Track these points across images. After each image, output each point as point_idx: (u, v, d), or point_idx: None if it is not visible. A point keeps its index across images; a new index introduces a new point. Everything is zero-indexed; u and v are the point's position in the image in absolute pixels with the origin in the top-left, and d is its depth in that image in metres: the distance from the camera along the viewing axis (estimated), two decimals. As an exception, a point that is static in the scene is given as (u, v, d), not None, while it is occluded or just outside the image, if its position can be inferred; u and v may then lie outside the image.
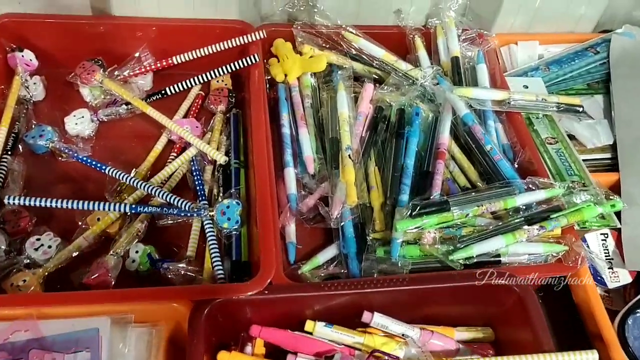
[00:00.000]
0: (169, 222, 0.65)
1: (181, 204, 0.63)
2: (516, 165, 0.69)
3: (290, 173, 0.68)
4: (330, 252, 0.64)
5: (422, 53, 0.80)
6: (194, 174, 0.68)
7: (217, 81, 0.79)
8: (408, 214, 0.60)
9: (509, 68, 0.84)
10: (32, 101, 0.74)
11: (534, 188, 0.63)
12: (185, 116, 0.76)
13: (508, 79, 0.78)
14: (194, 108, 0.77)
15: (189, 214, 0.63)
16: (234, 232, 0.63)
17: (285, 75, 0.76)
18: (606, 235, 0.65)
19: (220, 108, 0.76)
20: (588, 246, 0.64)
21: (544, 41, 0.86)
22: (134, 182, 0.65)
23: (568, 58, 0.83)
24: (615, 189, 0.68)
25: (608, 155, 0.72)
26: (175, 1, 0.76)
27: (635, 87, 0.77)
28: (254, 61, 0.74)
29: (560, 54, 0.84)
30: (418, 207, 0.60)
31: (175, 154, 0.71)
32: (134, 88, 0.75)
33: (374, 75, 0.79)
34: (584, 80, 0.81)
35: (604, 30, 0.91)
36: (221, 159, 0.67)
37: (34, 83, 0.75)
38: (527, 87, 0.79)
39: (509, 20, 0.84)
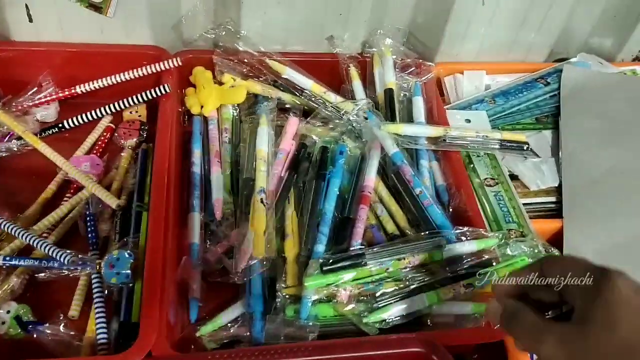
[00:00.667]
0: (52, 276, 0.57)
1: (61, 256, 0.55)
2: (450, 210, 0.62)
3: (195, 219, 0.60)
4: (235, 311, 0.56)
5: (357, 83, 0.73)
6: (87, 219, 0.61)
7: (130, 112, 0.71)
8: (318, 269, 0.52)
9: (454, 99, 0.77)
10: None
11: (464, 238, 0.56)
12: (90, 151, 0.69)
13: (449, 112, 0.72)
14: (100, 142, 0.69)
15: (71, 268, 0.55)
16: (125, 289, 0.55)
17: (202, 107, 0.69)
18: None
19: (129, 142, 0.69)
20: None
21: (492, 71, 0.80)
22: (12, 229, 0.57)
23: (516, 89, 0.76)
24: (559, 237, 0.61)
25: (553, 199, 0.65)
26: (81, 25, 0.68)
27: (586, 123, 0.70)
28: (164, 92, 0.66)
29: (508, 85, 0.77)
30: (330, 262, 0.53)
31: (70, 195, 0.63)
32: (30, 120, 0.67)
33: (304, 107, 0.72)
34: (532, 114, 0.74)
35: (558, 59, 0.86)
36: (114, 203, 0.59)
37: None
38: (469, 121, 0.72)
39: (454, 48, 0.78)
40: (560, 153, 0.68)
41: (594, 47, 0.85)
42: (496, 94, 0.76)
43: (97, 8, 0.67)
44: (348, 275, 0.53)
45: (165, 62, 0.68)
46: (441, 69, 0.79)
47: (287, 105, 0.73)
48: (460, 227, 0.57)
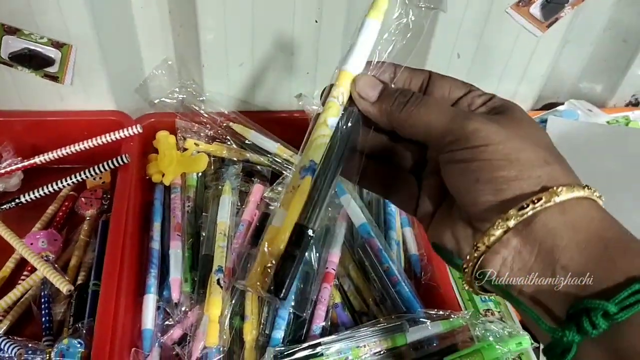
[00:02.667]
0: (-1, 366, 0.54)
1: (8, 348, 0.52)
2: (423, 283, 0.58)
3: (150, 301, 0.57)
4: (189, 402, 0.53)
5: (328, 142, 0.70)
6: (42, 302, 0.58)
7: (94, 178, 0.69)
8: (272, 363, 0.49)
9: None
10: None
11: (430, 319, 0.53)
12: (50, 223, 0.66)
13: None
14: (60, 213, 0.67)
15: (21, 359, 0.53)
16: (75, 379, 0.53)
17: (163, 175, 0.66)
18: (523, 377, 0.53)
19: (90, 213, 0.66)
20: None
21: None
22: (-41, 318, 0.55)
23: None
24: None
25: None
26: (39, 92, 0.67)
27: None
28: (123, 162, 0.64)
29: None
30: (285, 354, 0.49)
31: (27, 274, 0.61)
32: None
33: (272, 169, 0.70)
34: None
35: (546, 105, 0.82)
36: (64, 288, 0.56)
37: None
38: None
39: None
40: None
41: (584, 92, 0.81)
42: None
43: (54, 77, 0.65)
44: (305, 368, 0.49)
45: (126, 130, 0.66)
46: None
47: (258, 167, 0.70)
48: (428, 310, 0.53)
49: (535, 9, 0.67)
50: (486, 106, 0.32)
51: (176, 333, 0.56)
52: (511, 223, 0.28)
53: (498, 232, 0.28)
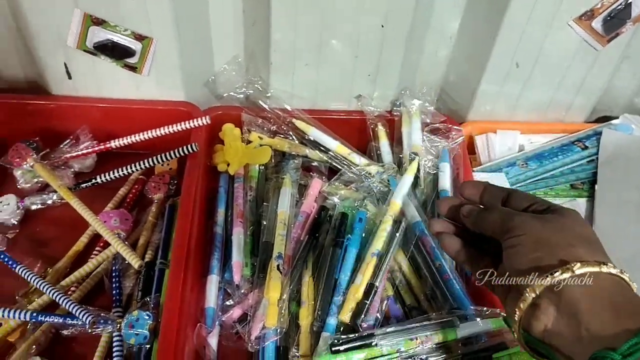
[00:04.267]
0: (75, 332, 0.59)
1: (83, 315, 0.57)
2: (472, 282, 0.60)
3: (213, 282, 0.61)
4: (248, 378, 0.57)
5: (384, 143, 0.73)
6: (113, 276, 0.63)
7: (162, 164, 0.73)
8: (327, 349, 0.52)
9: (485, 159, 0.75)
10: (-39, 184, 0.71)
11: (478, 317, 0.55)
12: (121, 204, 0.71)
13: (474, 174, 0.70)
14: (131, 195, 0.72)
15: (87, 326, 0.57)
16: (143, 349, 0.57)
17: (228, 165, 0.70)
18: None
19: (158, 196, 0.71)
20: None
21: (527, 130, 0.78)
22: (41, 284, 0.59)
23: (551, 152, 0.74)
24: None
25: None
26: (117, 81, 0.71)
27: (623, 195, 0.67)
28: (192, 150, 0.68)
29: (542, 147, 0.75)
30: (340, 342, 0.52)
31: (99, 249, 0.66)
32: (66, 175, 0.70)
33: (330, 165, 0.73)
34: (566, 180, 0.72)
35: (600, 118, 0.83)
36: (136, 263, 0.61)
37: (-34, 164, 0.71)
38: (489, 184, 0.70)
39: (487, 106, 0.77)
40: (592, 226, 0.65)
41: (639, 108, 0.82)
42: (529, 157, 0.74)
43: (133, 68, 0.70)
44: (358, 356, 0.52)
45: (196, 120, 0.70)
46: (473, 128, 0.77)
47: (314, 163, 0.73)
48: (479, 307, 0.55)
49: (597, 23, 0.68)
50: (543, 212, 0.43)
51: (236, 313, 0.60)
52: (538, 290, 0.38)
53: (530, 297, 0.38)
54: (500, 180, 0.70)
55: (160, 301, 0.60)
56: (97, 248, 0.66)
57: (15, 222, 0.68)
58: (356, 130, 0.75)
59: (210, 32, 0.71)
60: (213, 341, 0.58)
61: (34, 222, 0.69)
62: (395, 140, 0.73)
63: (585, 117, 0.81)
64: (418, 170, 0.67)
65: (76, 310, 0.57)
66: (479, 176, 0.70)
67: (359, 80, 0.73)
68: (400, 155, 0.72)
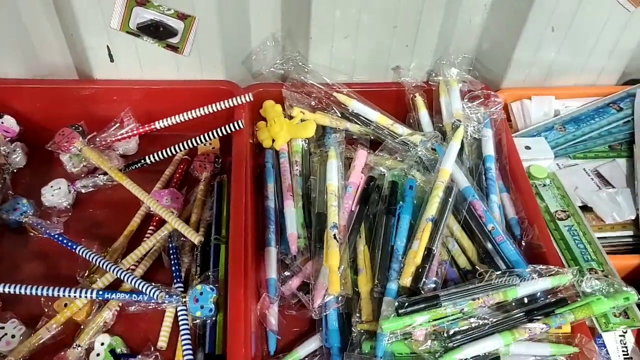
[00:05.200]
0: (140, 308, 0.60)
1: (150, 290, 0.58)
2: (523, 244, 0.62)
3: (272, 253, 0.62)
4: (312, 344, 0.58)
5: (424, 113, 0.74)
6: (171, 252, 0.64)
7: (204, 144, 0.74)
8: (394, 312, 0.54)
9: (522, 126, 0.77)
10: (10, 170, 0.71)
11: (536, 275, 0.56)
12: (168, 184, 0.72)
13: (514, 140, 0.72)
14: (177, 175, 0.73)
15: (156, 302, 0.59)
16: (208, 321, 0.59)
17: (273, 141, 0.71)
18: (625, 331, 0.57)
19: (205, 175, 0.72)
20: (604, 343, 0.57)
21: (561, 95, 0.79)
22: (103, 264, 0.61)
23: (587, 116, 0.75)
24: (637, 275, 0.60)
25: (630, 233, 0.64)
26: (159, 63, 0.72)
27: (662, 151, 0.69)
28: (238, 127, 0.69)
29: (578, 111, 0.76)
30: (406, 305, 0.54)
31: (153, 228, 0.67)
32: (115, 156, 0.71)
33: (371, 137, 0.74)
34: (604, 142, 0.73)
35: (630, 80, 0.84)
36: (196, 239, 0.62)
37: (14, 150, 0.72)
38: (529, 147, 0.72)
39: (521, 73, 0.78)
40: (636, 183, 0.67)
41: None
42: (566, 120, 0.75)
43: (174, 48, 0.70)
44: (423, 317, 0.54)
45: (239, 97, 0.70)
46: (507, 95, 0.78)
47: (354, 136, 0.74)
48: (534, 265, 0.57)
49: (630, -16, 0.69)
50: None
51: (294, 283, 0.61)
52: None
53: None
54: (541, 144, 0.71)
55: (218, 275, 0.62)
56: (150, 227, 0.67)
57: (68, 206, 0.69)
58: (393, 102, 0.76)
59: (249, 9, 0.71)
60: (274, 311, 0.60)
61: (85, 205, 0.70)
62: (435, 110, 0.74)
63: (616, 80, 0.82)
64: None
65: (143, 287, 0.58)
66: (519, 142, 0.71)
67: (397, 51, 0.74)
68: (440, 124, 0.73)
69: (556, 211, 0.65)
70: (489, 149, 0.68)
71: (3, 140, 0.71)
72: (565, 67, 0.77)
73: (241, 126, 0.69)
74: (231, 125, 0.69)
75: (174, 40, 0.69)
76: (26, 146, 0.74)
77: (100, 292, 0.59)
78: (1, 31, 0.69)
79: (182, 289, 0.61)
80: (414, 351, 0.54)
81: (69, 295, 0.58)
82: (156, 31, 0.68)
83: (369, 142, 0.74)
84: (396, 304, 0.54)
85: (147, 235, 0.66)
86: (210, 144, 0.75)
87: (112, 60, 0.72)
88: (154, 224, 0.67)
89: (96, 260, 0.61)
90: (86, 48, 0.70)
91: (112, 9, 0.66)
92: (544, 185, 0.67)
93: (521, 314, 0.55)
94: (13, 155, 0.72)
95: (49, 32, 0.70)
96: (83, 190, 0.70)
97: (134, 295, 0.59)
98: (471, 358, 0.52)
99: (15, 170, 0.72)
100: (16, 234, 0.67)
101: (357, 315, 0.57)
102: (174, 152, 0.71)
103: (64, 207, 0.69)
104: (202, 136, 0.71)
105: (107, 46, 0.70)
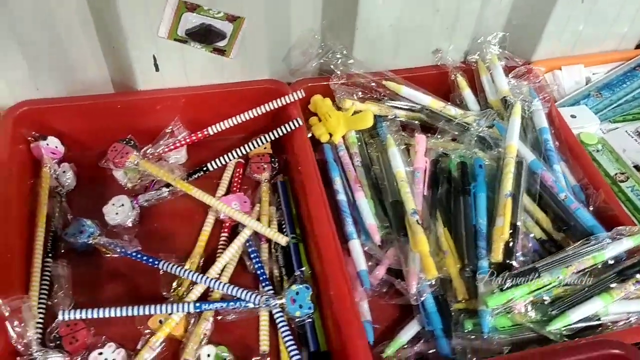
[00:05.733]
0: (233, 316, 0.60)
1: (250, 296, 0.58)
2: (591, 209, 0.65)
3: (356, 246, 0.63)
4: (412, 329, 0.59)
5: (467, 92, 0.76)
6: (252, 257, 0.64)
7: (264, 146, 0.74)
8: (497, 288, 0.55)
9: (557, 96, 0.80)
10: (64, 192, 0.69)
11: (618, 237, 0.59)
12: (228, 189, 0.71)
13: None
14: (236, 179, 0.72)
15: (258, 306, 0.59)
16: (307, 320, 0.59)
17: (330, 135, 0.71)
18: None
19: (264, 176, 0.71)
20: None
21: (588, 63, 0.82)
22: (193, 275, 0.60)
23: (618, 81, 0.79)
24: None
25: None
26: (204, 68, 0.71)
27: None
28: (296, 126, 0.69)
29: (608, 77, 0.80)
30: (507, 280, 0.56)
31: (226, 234, 0.66)
32: (174, 167, 0.70)
33: (417, 122, 0.75)
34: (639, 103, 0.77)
35: (643, 43, 0.88)
36: (283, 240, 0.62)
37: (64, 171, 0.69)
38: (574, 116, 0.75)
39: (551, 45, 0.80)
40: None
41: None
42: (600, 87, 0.78)
43: (222, 51, 0.69)
44: (522, 290, 0.56)
45: (291, 94, 0.70)
46: (539, 67, 0.81)
47: (403, 122, 0.75)
48: (616, 227, 0.60)
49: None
50: None
51: (380, 272, 0.62)
52: None
53: None
54: (585, 112, 0.74)
55: (304, 274, 0.62)
56: (222, 234, 0.66)
57: (134, 222, 0.67)
58: (434, 85, 0.78)
59: (290, 5, 0.71)
60: (365, 301, 0.61)
61: (149, 219, 0.69)
62: (478, 89, 0.76)
63: (634, 44, 0.86)
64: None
65: (242, 293, 0.58)
66: (563, 111, 0.74)
67: (437, 34, 0.75)
68: (485, 103, 0.75)
69: (615, 174, 0.68)
70: (543, 121, 0.70)
71: (52, 162, 0.69)
72: (591, 36, 0.81)
73: (300, 123, 0.69)
74: (290, 124, 0.69)
75: (221, 44, 0.68)
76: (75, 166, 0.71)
77: (197, 304, 0.58)
78: (42, 55, 0.67)
79: (272, 291, 0.61)
80: (518, 322, 0.56)
81: (166, 311, 0.57)
82: (205, 36, 0.67)
83: (419, 127, 0.75)
84: (499, 280, 0.56)
85: (221, 242, 0.65)
86: (262, 145, 0.74)
87: (157, 70, 0.70)
88: (225, 230, 0.67)
89: (184, 273, 0.60)
90: (131, 59, 0.68)
91: (161, 18, 0.64)
92: (597, 150, 0.70)
93: (613, 275, 0.58)
94: (64, 177, 0.69)
95: (86, 48, 0.68)
96: (146, 204, 0.68)
97: (230, 303, 0.59)
98: (578, 322, 0.55)
99: (66, 193, 0.70)
100: (85, 257, 0.65)
101: (454, 294, 0.59)
102: (233, 156, 0.70)
103: (130, 223, 0.67)
104: (260, 138, 0.70)
105: (154, 55, 0.68)
